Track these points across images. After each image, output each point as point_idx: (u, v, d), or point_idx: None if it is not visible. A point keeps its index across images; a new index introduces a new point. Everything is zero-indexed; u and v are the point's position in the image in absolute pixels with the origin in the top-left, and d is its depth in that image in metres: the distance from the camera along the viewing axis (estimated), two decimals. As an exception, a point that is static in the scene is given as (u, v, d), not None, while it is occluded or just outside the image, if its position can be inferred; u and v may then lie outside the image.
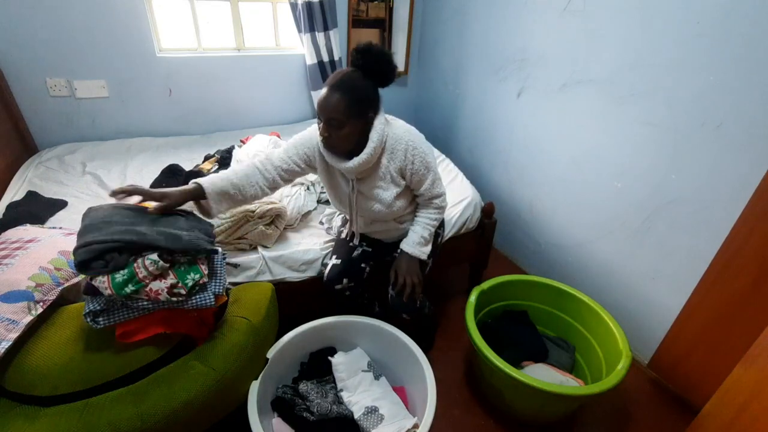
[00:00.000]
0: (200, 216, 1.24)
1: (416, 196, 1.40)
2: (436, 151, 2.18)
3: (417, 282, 1.35)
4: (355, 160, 1.22)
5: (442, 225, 1.60)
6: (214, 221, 1.41)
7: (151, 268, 0.97)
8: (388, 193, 1.32)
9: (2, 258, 1.07)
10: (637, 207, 1.63)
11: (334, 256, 1.47)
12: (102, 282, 0.94)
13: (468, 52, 2.46)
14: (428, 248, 1.39)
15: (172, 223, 1.09)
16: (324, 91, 1.17)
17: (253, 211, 1.46)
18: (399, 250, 1.38)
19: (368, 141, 1.22)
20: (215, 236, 1.35)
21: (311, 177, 1.87)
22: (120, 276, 0.95)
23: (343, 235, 1.53)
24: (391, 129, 1.28)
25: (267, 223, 1.51)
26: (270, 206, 1.50)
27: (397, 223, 1.45)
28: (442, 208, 1.40)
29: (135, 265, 0.97)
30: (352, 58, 1.18)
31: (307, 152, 1.34)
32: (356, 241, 1.48)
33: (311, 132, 1.35)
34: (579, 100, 1.80)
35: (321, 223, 1.69)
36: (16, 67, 2.01)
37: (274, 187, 1.34)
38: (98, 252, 0.94)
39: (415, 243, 1.36)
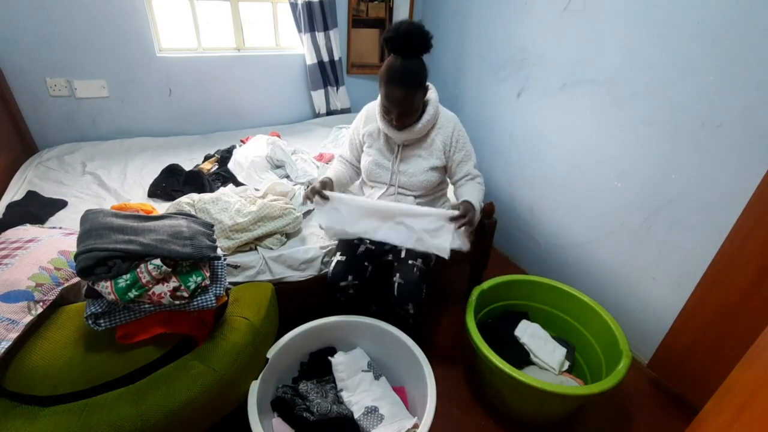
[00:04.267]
0: (201, 218, 1.24)
1: (458, 179, 1.50)
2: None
3: (473, 223, 1.41)
4: (412, 130, 1.38)
5: None
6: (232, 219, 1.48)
7: (154, 273, 0.97)
8: (427, 162, 1.45)
9: (2, 258, 1.07)
10: (637, 207, 1.63)
11: (338, 253, 1.48)
12: (105, 287, 0.94)
13: (468, 52, 2.46)
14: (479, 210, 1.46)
15: (174, 230, 1.08)
16: (385, 88, 1.30)
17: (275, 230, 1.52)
18: (463, 201, 1.43)
19: (424, 114, 1.39)
20: (216, 240, 1.35)
21: (312, 174, 1.87)
22: (123, 281, 0.95)
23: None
24: (441, 108, 1.47)
25: (283, 234, 1.55)
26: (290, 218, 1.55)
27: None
28: (483, 187, 1.52)
29: (138, 270, 0.97)
30: (387, 46, 1.27)
31: (356, 137, 1.57)
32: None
33: (356, 121, 1.56)
34: (579, 100, 1.80)
35: (321, 227, 1.68)
36: (16, 67, 2.01)
37: (359, 173, 1.63)
38: (101, 259, 0.94)
39: (476, 199, 1.44)
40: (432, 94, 1.43)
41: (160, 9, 2.27)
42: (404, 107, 1.31)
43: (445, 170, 1.51)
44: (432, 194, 1.55)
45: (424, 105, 1.40)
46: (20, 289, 0.98)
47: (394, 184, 1.49)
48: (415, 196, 1.50)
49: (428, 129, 1.43)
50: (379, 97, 1.40)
